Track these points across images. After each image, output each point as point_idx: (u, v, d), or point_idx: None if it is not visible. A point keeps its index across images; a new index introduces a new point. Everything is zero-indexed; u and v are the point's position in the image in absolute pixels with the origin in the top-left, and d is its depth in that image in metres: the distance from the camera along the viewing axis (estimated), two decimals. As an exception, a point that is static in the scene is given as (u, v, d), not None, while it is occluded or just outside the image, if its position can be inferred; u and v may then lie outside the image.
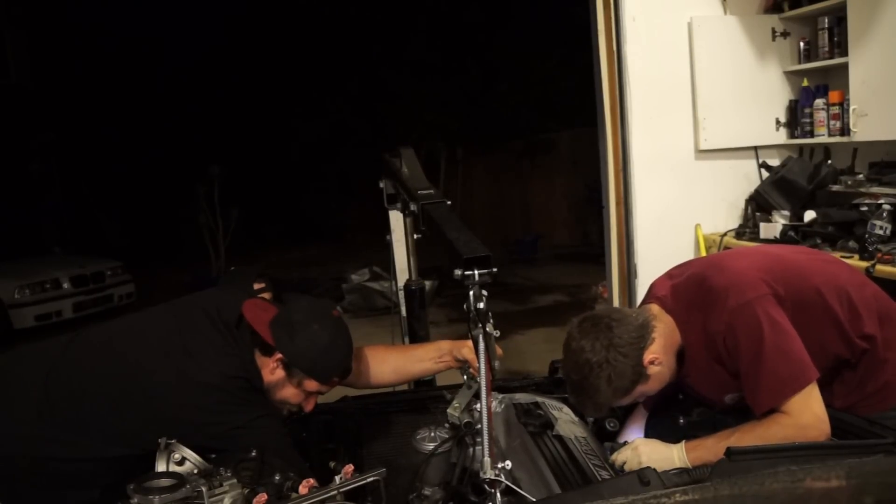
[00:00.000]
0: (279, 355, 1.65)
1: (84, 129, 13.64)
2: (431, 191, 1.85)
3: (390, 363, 1.98)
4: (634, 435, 1.85)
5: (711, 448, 1.57)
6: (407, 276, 2.57)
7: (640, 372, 1.66)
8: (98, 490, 1.57)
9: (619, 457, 1.66)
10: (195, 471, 1.41)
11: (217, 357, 1.62)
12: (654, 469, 1.31)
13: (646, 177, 3.79)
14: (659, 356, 1.67)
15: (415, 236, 2.46)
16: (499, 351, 1.48)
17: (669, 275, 1.87)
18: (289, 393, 1.70)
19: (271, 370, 1.67)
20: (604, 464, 1.57)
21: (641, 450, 1.64)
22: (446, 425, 1.71)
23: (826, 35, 3.73)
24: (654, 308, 1.75)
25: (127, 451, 1.56)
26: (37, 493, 1.60)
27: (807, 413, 1.55)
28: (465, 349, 1.88)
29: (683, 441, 1.63)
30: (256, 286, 2.49)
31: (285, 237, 14.25)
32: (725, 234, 3.85)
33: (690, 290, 1.73)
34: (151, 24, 13.83)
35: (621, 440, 1.85)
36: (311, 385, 1.68)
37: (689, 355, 1.73)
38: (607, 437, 1.87)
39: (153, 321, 1.77)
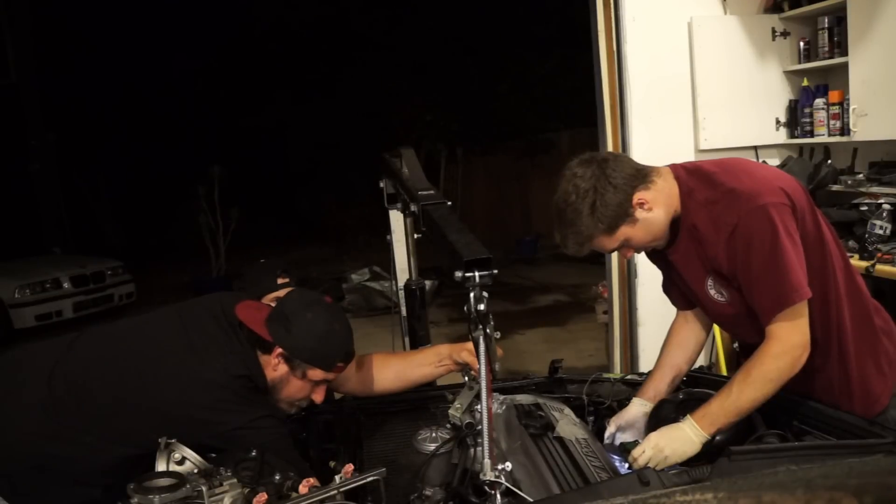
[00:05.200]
0: (279, 350, 1.65)
1: (84, 129, 13.64)
2: (432, 191, 1.84)
3: (392, 369, 1.98)
4: (631, 435, 1.84)
5: (719, 413, 1.59)
6: (407, 276, 2.57)
7: (627, 210, 1.66)
8: (100, 488, 1.57)
9: (642, 458, 1.60)
10: (195, 470, 1.41)
11: (221, 355, 1.63)
12: (655, 468, 1.30)
13: (646, 177, 3.79)
14: (649, 202, 1.67)
15: (415, 236, 2.46)
16: (500, 352, 1.48)
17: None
18: (295, 387, 1.70)
19: (274, 367, 1.67)
20: (604, 465, 1.57)
21: (662, 445, 1.60)
22: (447, 426, 1.71)
23: (826, 35, 3.73)
24: (663, 168, 1.75)
25: (129, 449, 1.56)
26: (39, 489, 1.60)
27: (794, 334, 1.58)
28: (465, 352, 1.88)
29: (688, 417, 1.61)
30: (280, 280, 2.52)
31: (285, 237, 14.25)
32: (725, 234, 3.85)
33: (711, 173, 1.71)
34: (152, 24, 13.83)
35: (617, 441, 1.84)
36: (316, 374, 1.68)
37: (682, 233, 1.73)
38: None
39: (158, 321, 1.78)
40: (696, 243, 1.71)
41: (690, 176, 1.73)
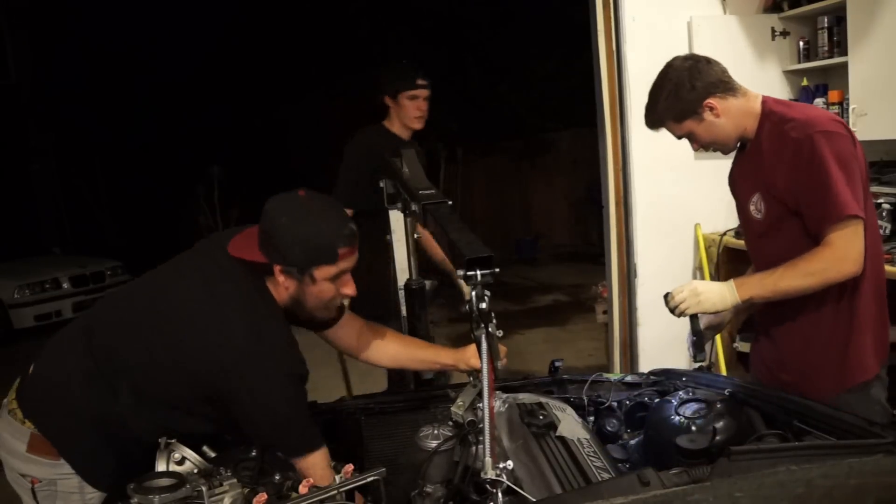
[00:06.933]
0: (278, 268, 1.61)
1: (84, 129, 13.64)
2: (433, 191, 1.85)
3: (391, 350, 2.02)
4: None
5: (757, 284, 1.78)
6: (407, 276, 2.56)
7: (696, 109, 1.87)
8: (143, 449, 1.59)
9: (678, 297, 1.79)
10: (195, 470, 1.41)
11: (229, 308, 1.60)
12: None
13: (645, 177, 3.79)
14: (718, 109, 1.85)
15: (415, 236, 2.47)
16: (502, 349, 1.48)
17: None
18: (314, 293, 1.64)
19: (284, 286, 1.63)
20: (606, 465, 1.57)
21: (700, 290, 1.78)
22: (450, 423, 1.72)
23: (826, 34, 3.73)
24: (755, 94, 1.91)
25: (161, 411, 1.59)
26: (99, 446, 1.62)
27: (848, 247, 1.68)
28: (473, 359, 1.88)
29: (731, 280, 1.78)
30: (420, 81, 2.94)
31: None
32: (725, 234, 3.85)
33: (794, 106, 1.89)
34: (152, 25, 13.83)
35: (620, 442, 1.85)
36: (325, 272, 1.61)
37: (748, 151, 1.92)
38: (609, 439, 1.86)
39: (173, 282, 1.73)
40: (759, 159, 1.86)
41: (777, 104, 1.90)
